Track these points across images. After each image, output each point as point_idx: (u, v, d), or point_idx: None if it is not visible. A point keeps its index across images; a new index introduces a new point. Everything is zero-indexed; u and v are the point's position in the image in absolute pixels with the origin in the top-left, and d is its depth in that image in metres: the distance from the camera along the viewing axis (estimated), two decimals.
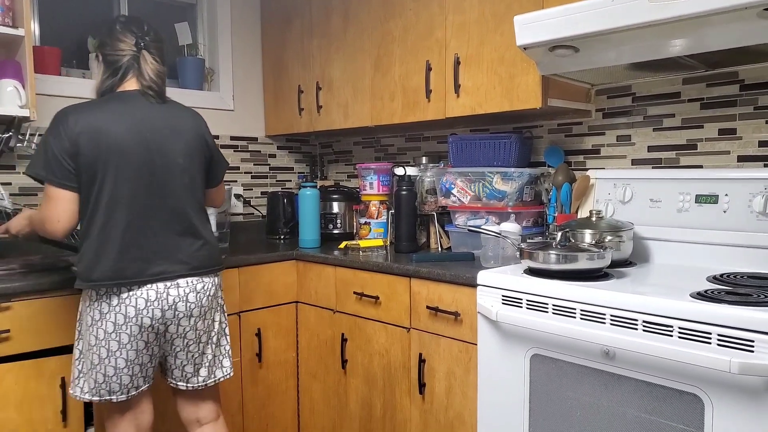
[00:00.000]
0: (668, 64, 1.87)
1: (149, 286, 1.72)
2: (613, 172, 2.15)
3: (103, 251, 1.69)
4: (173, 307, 1.75)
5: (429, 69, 2.39)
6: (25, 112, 2.17)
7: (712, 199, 1.89)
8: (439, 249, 2.51)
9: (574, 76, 2.07)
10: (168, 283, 1.74)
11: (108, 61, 1.79)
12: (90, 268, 1.70)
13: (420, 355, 2.11)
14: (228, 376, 1.96)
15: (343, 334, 2.41)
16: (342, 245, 2.59)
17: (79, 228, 1.77)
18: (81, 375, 1.77)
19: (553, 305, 1.63)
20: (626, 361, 1.48)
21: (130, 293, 1.70)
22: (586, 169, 2.31)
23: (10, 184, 2.45)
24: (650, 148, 2.18)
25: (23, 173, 1.78)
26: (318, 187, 2.85)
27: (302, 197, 2.70)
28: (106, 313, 1.70)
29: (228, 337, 1.97)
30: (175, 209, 1.78)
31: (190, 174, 1.82)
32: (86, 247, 1.72)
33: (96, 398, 1.74)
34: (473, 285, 1.87)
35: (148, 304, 1.71)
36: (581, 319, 1.56)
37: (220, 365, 1.93)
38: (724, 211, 1.86)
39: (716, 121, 2.02)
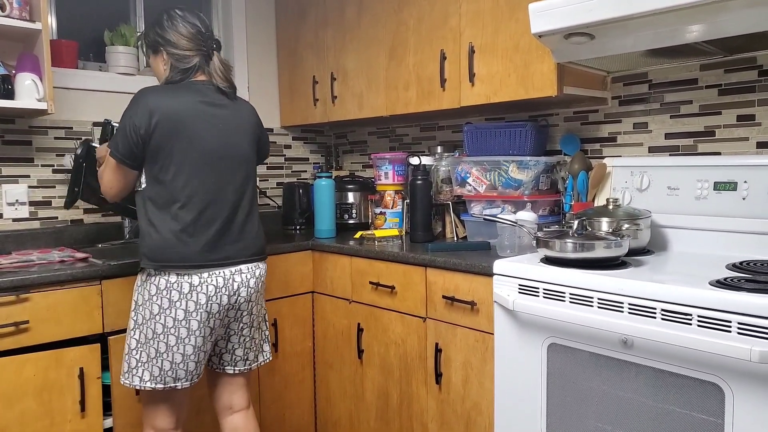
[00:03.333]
0: (685, 50, 1.84)
1: (217, 272, 1.78)
2: (630, 160, 2.12)
3: (175, 236, 1.75)
4: (237, 292, 1.83)
5: (443, 58, 2.38)
6: (42, 105, 2.19)
7: (731, 186, 1.86)
8: (455, 238, 2.51)
9: (590, 63, 2.05)
10: (233, 269, 1.82)
11: (176, 59, 1.82)
12: (160, 251, 1.75)
13: (436, 344, 2.11)
14: (267, 361, 2.03)
15: (359, 324, 2.42)
16: (357, 235, 2.59)
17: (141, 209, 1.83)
18: (140, 365, 1.78)
19: (570, 294, 1.62)
20: (644, 350, 1.47)
21: (202, 281, 1.76)
22: (603, 157, 2.29)
23: (28, 176, 2.47)
24: (667, 136, 2.16)
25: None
26: (333, 177, 2.85)
27: (317, 187, 2.70)
28: (176, 301, 1.74)
29: (267, 323, 2.05)
30: (240, 197, 1.86)
31: (251, 163, 1.92)
32: (157, 230, 1.76)
33: (160, 386, 1.77)
34: (489, 274, 1.87)
35: (217, 290, 1.78)
36: (599, 307, 1.55)
37: (261, 350, 2.01)
38: (743, 199, 1.83)
39: (735, 108, 1.99)
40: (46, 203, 2.52)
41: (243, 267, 1.85)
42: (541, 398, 1.72)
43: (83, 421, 1.99)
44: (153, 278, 1.76)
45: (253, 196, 1.93)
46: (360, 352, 2.43)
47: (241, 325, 1.90)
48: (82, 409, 1.99)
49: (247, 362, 1.95)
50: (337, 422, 2.58)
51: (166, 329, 1.75)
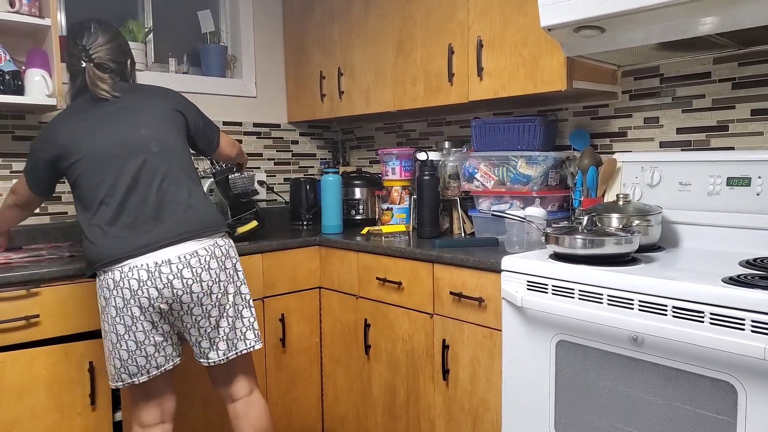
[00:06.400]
0: (698, 43, 1.81)
1: (139, 265, 1.71)
2: (641, 155, 2.10)
3: (92, 239, 1.75)
4: (169, 284, 1.72)
5: (451, 52, 2.36)
6: (52, 101, 2.20)
7: (744, 181, 1.84)
8: (463, 234, 2.49)
9: (600, 57, 2.03)
10: (158, 260, 1.72)
11: (70, 71, 1.93)
12: (86, 255, 1.77)
13: (443, 341, 2.10)
14: (252, 349, 1.90)
15: (366, 320, 2.41)
16: (364, 231, 2.58)
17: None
18: (107, 360, 1.80)
19: (580, 291, 1.60)
20: (655, 348, 1.46)
21: (123, 276, 1.71)
22: (613, 152, 2.26)
23: None
24: (679, 130, 2.13)
25: None
26: (340, 173, 2.84)
27: (324, 183, 2.70)
28: (108, 298, 1.74)
29: (252, 309, 1.91)
30: (150, 183, 1.79)
31: (158, 141, 1.83)
32: (82, 237, 1.80)
33: (120, 384, 1.77)
34: (497, 270, 1.86)
35: (141, 284, 1.71)
36: (608, 304, 1.54)
37: (242, 337, 1.89)
38: (757, 194, 1.81)
39: (749, 102, 1.97)
40: (56, 198, 2.53)
41: (172, 257, 1.73)
42: (550, 395, 1.71)
43: (93, 415, 2.00)
44: (96, 277, 1.79)
45: (176, 174, 1.82)
46: (367, 347, 2.42)
47: (194, 317, 1.79)
48: (92, 402, 2.00)
49: (219, 352, 1.85)
50: (344, 418, 2.58)
51: (109, 326, 1.75)
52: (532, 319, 1.73)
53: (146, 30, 2.81)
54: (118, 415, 2.07)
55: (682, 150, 2.12)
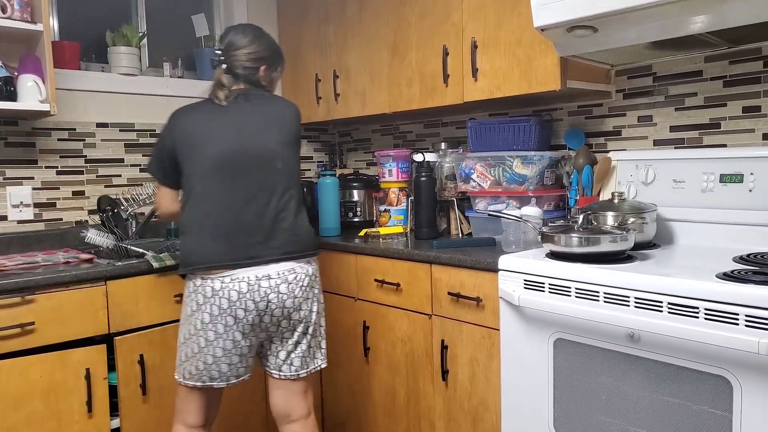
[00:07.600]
0: (690, 41, 1.83)
1: (241, 277, 1.76)
2: (635, 154, 2.11)
3: (196, 240, 1.79)
4: (265, 298, 1.78)
5: (446, 53, 2.37)
6: (45, 107, 2.19)
7: (737, 178, 1.85)
8: (460, 235, 2.50)
9: (594, 56, 2.04)
10: (259, 275, 1.78)
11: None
12: (186, 255, 1.80)
13: (442, 341, 2.11)
14: (320, 367, 1.96)
15: (365, 322, 2.41)
16: (362, 233, 2.58)
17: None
18: (185, 361, 1.83)
19: (576, 289, 1.61)
20: (651, 344, 1.46)
21: (224, 286, 1.75)
22: (608, 151, 2.27)
23: (32, 178, 2.48)
24: (672, 128, 2.14)
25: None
26: (337, 175, 2.85)
27: (322, 186, 2.70)
28: (202, 304, 1.77)
29: (323, 329, 1.97)
30: (269, 199, 1.83)
31: (283, 159, 1.87)
32: (184, 235, 1.83)
33: (199, 384, 1.82)
34: (495, 270, 1.86)
35: (241, 296, 1.76)
36: (605, 302, 1.54)
37: (313, 357, 1.94)
38: (750, 191, 1.82)
39: (740, 99, 1.98)
40: (50, 205, 2.52)
41: (272, 272, 1.79)
42: (548, 393, 1.71)
43: (90, 422, 2.00)
44: (189, 279, 1.82)
45: (290, 193, 1.86)
46: (366, 350, 2.42)
47: (281, 329, 1.86)
48: (89, 410, 1.99)
49: (293, 368, 1.89)
50: (345, 420, 2.58)
51: (197, 331, 1.79)
52: (530, 318, 1.74)
53: (140, 35, 2.80)
54: (115, 422, 2.06)
55: (675, 148, 2.13)
